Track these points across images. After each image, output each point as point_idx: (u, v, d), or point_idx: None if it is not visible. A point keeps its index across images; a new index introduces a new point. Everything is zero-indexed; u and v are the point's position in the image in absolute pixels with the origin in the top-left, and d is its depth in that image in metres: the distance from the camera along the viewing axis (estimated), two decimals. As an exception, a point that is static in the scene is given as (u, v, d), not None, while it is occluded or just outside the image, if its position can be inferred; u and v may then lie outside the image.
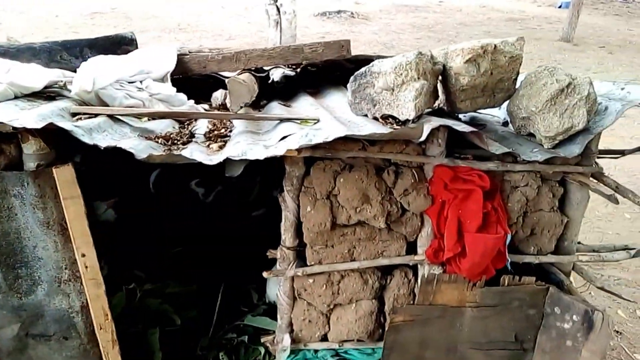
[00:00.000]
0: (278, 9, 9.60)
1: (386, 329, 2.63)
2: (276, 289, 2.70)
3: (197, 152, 2.03)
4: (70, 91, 2.27)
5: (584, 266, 3.04)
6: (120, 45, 2.80)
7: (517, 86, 2.41)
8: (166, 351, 2.92)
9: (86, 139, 1.82)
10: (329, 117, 2.33)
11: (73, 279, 2.25)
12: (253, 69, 2.84)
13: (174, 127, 2.44)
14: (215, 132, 2.38)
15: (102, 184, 3.46)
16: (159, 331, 2.95)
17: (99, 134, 1.95)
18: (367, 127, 2.16)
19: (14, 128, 1.78)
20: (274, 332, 2.82)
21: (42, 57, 2.62)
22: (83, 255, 2.18)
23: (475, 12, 17.02)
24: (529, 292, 2.58)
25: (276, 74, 3.31)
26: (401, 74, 2.14)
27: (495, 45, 2.20)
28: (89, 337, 2.37)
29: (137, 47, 2.85)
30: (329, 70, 3.13)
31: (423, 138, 2.09)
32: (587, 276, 2.84)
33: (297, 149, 2.04)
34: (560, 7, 18.36)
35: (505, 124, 2.76)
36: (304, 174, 2.38)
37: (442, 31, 14.57)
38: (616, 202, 2.46)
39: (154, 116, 2.31)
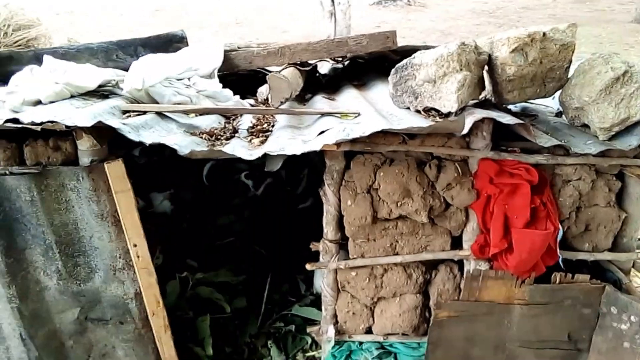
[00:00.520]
0: (332, 0, 9.55)
1: (430, 323, 2.60)
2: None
3: (238, 148, 2.09)
4: (122, 89, 2.39)
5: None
6: (171, 43, 2.89)
7: (569, 75, 2.30)
8: (216, 338, 3.02)
9: (133, 136, 1.92)
10: (371, 110, 2.32)
11: (127, 268, 2.37)
12: (298, 63, 2.87)
13: (219, 123, 2.51)
14: (258, 127, 2.42)
15: (159, 176, 3.65)
16: (209, 318, 3.06)
17: (147, 131, 2.04)
18: (407, 120, 2.13)
19: (67, 126, 1.89)
20: (320, 322, 2.86)
21: (99, 57, 2.76)
22: (135, 246, 2.30)
23: (539, -7, 16.18)
24: (582, 291, 2.47)
25: (324, 67, 3.33)
26: (442, 66, 2.09)
27: (544, 33, 2.10)
28: (143, 322, 2.50)
29: (187, 45, 2.94)
30: (376, 62, 3.10)
31: (465, 131, 2.03)
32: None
33: (335, 143, 2.05)
34: (633, -15, 17.10)
35: (559, 114, 2.63)
36: (345, 168, 2.39)
37: (504, 16, 13.93)
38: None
39: (199, 112, 2.39)
